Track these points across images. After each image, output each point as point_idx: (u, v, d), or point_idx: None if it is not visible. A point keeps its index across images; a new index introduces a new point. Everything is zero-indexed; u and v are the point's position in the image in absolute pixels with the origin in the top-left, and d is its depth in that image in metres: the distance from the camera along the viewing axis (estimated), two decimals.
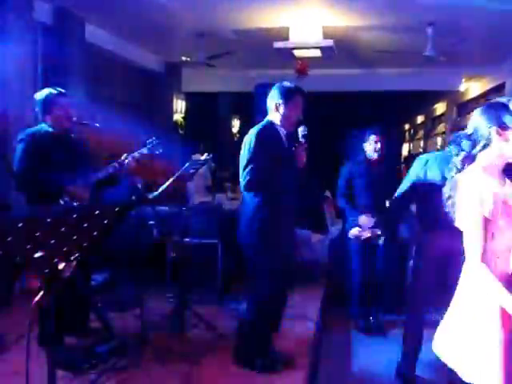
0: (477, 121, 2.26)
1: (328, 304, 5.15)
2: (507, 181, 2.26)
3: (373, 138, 4.59)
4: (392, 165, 3.57)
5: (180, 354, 3.68)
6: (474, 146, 2.25)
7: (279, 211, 3.39)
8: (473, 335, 2.18)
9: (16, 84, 4.99)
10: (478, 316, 2.17)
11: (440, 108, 11.65)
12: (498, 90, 8.47)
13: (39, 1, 5.57)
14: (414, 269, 3.78)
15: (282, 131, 3.45)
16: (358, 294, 4.68)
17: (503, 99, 2.29)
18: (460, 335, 2.24)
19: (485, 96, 9.03)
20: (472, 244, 2.15)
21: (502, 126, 2.18)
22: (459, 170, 2.28)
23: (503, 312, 2.11)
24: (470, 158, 2.26)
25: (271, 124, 3.46)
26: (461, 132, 2.37)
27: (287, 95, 3.43)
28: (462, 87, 9.83)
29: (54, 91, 3.74)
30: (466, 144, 2.28)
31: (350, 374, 4.02)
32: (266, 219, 3.35)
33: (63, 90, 3.83)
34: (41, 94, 3.73)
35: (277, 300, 3.56)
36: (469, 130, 2.28)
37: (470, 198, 2.16)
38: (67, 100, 3.80)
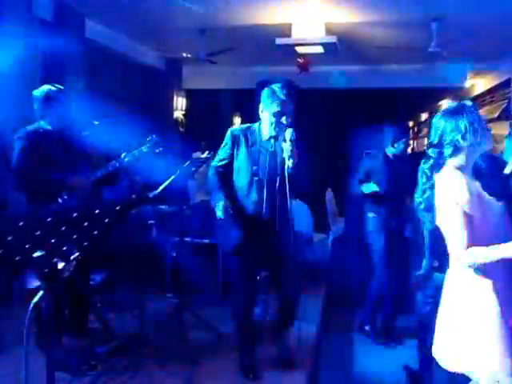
0: (439, 128, 2.28)
1: (329, 305, 5.11)
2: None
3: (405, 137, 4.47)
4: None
5: (179, 355, 3.66)
6: (441, 154, 2.29)
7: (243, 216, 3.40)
8: (470, 332, 2.19)
9: (15, 80, 4.94)
10: (473, 313, 2.19)
11: (445, 105, 11.60)
12: (504, 86, 8.41)
13: None
14: None
15: (263, 134, 3.39)
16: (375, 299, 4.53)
17: (468, 102, 2.33)
18: (456, 336, 2.24)
19: (490, 92, 8.98)
20: (456, 241, 2.17)
21: (464, 132, 2.21)
22: (428, 178, 2.34)
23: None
24: (438, 166, 2.30)
25: (248, 127, 3.51)
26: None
27: (262, 98, 3.39)
28: (468, 84, 9.77)
29: (53, 88, 3.69)
30: (432, 151, 2.32)
31: (350, 375, 4.00)
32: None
33: (62, 87, 3.78)
34: (40, 91, 3.69)
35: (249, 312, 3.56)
36: (433, 139, 2.31)
37: (448, 197, 2.19)
38: (66, 97, 3.75)
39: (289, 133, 3.22)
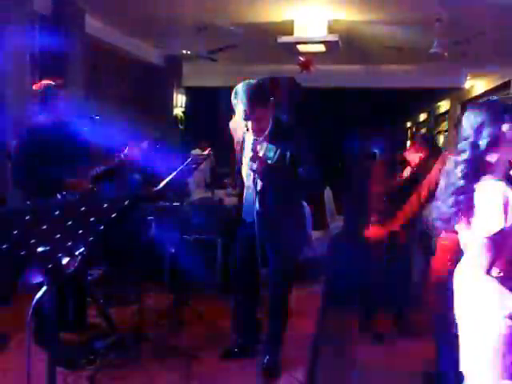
0: (476, 121, 2.09)
1: (328, 302, 5.10)
2: None
3: None
4: None
5: (178, 350, 3.65)
6: (476, 147, 2.08)
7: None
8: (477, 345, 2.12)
9: (14, 75, 4.92)
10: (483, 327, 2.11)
11: (444, 105, 11.61)
12: (504, 87, 8.42)
13: None
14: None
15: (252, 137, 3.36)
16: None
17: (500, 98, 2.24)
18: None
19: (490, 94, 8.98)
20: (483, 255, 2.05)
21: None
22: (464, 176, 2.10)
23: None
24: (473, 161, 2.09)
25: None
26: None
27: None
28: (467, 85, 9.78)
29: (52, 83, 3.68)
30: (464, 144, 2.12)
31: (350, 373, 3.98)
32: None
33: (61, 82, 3.77)
34: (39, 86, 3.68)
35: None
36: (466, 132, 2.12)
37: (489, 206, 2.02)
38: (66, 93, 3.74)
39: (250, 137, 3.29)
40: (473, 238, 2.11)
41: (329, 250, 5.98)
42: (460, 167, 2.11)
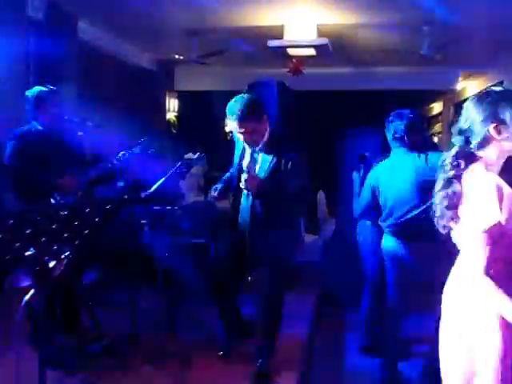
0: (470, 114, 2.01)
1: (321, 305, 5.12)
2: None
3: None
4: None
5: (170, 354, 3.66)
6: (467, 143, 2.02)
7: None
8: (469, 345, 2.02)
9: (6, 80, 4.92)
10: (475, 326, 2.01)
11: (436, 107, 11.64)
12: None
13: None
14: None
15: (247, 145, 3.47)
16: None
17: (498, 88, 2.05)
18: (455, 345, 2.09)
19: None
20: (476, 251, 1.93)
21: (501, 124, 1.95)
22: (453, 167, 2.02)
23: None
24: (463, 154, 2.02)
25: None
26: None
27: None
28: (459, 86, 9.81)
29: (44, 89, 3.70)
30: (457, 139, 2.06)
31: (342, 375, 4.00)
32: None
33: (54, 88, 3.79)
34: (31, 92, 3.69)
35: None
36: (462, 125, 2.04)
37: (482, 198, 1.91)
38: (58, 98, 3.76)
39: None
40: (466, 234, 2.00)
41: (322, 252, 6.00)
42: (449, 159, 2.04)
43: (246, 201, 3.50)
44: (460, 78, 9.47)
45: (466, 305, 2.05)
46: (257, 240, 3.44)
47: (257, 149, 3.44)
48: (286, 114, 5.66)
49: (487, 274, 1.90)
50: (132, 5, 5.92)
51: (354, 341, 4.43)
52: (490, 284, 1.90)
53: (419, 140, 3.57)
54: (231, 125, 3.37)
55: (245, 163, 3.48)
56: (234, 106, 3.31)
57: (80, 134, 3.85)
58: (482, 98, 2.02)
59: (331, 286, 5.30)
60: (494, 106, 1.97)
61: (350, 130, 5.11)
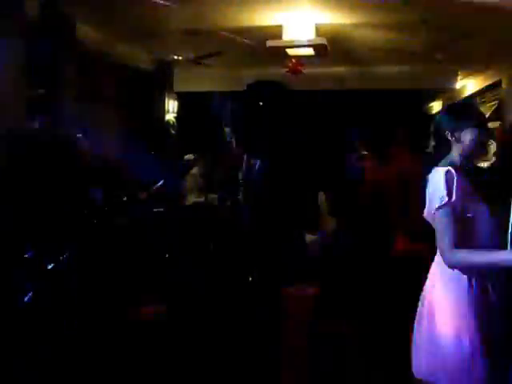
0: (436, 123, 2.42)
1: (322, 305, 5.10)
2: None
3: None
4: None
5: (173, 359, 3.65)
6: (435, 147, 2.42)
7: None
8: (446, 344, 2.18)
9: (2, 82, 4.91)
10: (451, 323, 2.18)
11: (436, 106, 11.64)
12: (494, 87, 8.45)
13: None
14: None
15: None
16: None
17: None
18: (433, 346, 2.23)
19: (481, 94, 9.01)
20: (443, 240, 2.19)
21: (456, 130, 2.31)
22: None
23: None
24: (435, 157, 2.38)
25: None
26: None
27: None
28: (458, 85, 9.81)
29: (43, 93, 3.69)
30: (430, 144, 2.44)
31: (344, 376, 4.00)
32: None
33: (52, 92, 3.78)
34: (32, 95, 3.69)
35: None
36: (432, 132, 2.45)
37: (439, 191, 2.20)
38: (56, 101, 3.76)
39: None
40: (431, 222, 2.27)
41: (322, 251, 5.98)
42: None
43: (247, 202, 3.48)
44: (459, 77, 9.47)
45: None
46: (258, 240, 3.43)
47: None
48: (285, 115, 5.66)
49: (454, 247, 2.16)
50: (129, 5, 5.91)
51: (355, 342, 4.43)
52: (460, 251, 2.15)
53: None
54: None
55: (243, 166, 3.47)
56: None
57: (79, 136, 3.84)
58: (447, 108, 2.55)
59: (332, 285, 5.28)
60: (453, 115, 2.40)
61: (349, 129, 5.10)
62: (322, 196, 6.70)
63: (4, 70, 4.87)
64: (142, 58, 8.59)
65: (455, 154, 2.35)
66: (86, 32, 6.64)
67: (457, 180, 2.20)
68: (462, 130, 2.31)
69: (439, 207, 2.19)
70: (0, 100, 4.80)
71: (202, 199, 6.30)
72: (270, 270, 3.49)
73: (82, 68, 6.46)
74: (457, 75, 9.35)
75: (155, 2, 5.62)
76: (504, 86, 8.09)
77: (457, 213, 2.19)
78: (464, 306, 2.17)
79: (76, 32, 6.20)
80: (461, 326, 2.15)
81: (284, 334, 3.61)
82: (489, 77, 8.73)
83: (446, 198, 2.18)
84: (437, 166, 2.33)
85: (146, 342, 3.71)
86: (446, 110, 2.55)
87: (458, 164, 2.32)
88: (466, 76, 9.44)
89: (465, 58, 8.05)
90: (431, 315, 2.26)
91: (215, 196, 6.74)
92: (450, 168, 2.24)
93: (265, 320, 3.52)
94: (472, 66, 8.73)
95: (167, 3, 5.25)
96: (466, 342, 2.14)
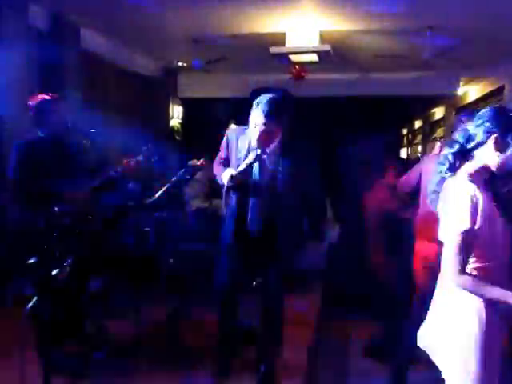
0: (482, 120, 2.10)
1: (326, 309, 5.12)
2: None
3: None
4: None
5: (176, 362, 3.67)
6: (468, 141, 2.12)
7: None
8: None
9: (12, 91, 4.96)
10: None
11: (439, 112, 11.65)
12: (497, 93, 8.46)
13: (34, 6, 5.55)
14: None
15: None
16: None
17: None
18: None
19: (483, 99, 9.02)
20: (453, 261, 2.07)
21: (504, 139, 2.04)
22: (450, 165, 2.15)
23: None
24: (461, 154, 2.13)
25: (242, 130, 3.60)
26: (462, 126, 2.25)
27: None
28: (460, 91, 9.83)
29: (48, 97, 3.72)
30: (460, 136, 2.16)
31: (348, 379, 4.00)
32: None
33: (57, 96, 3.81)
34: (35, 100, 3.71)
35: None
36: (470, 125, 2.14)
37: (461, 212, 2.03)
38: (62, 106, 3.78)
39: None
40: (445, 237, 2.14)
41: (326, 258, 6.01)
42: (448, 157, 2.16)
43: (244, 199, 3.51)
44: (461, 83, 9.49)
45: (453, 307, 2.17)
46: (261, 244, 3.44)
47: (267, 150, 3.39)
48: (291, 121, 5.67)
49: (464, 272, 2.05)
50: (134, 13, 5.96)
51: (360, 345, 4.44)
52: (468, 279, 2.06)
53: None
54: (255, 119, 3.30)
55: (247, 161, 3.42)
56: (266, 102, 3.26)
57: (85, 142, 3.86)
58: (500, 111, 2.12)
59: (336, 290, 5.29)
60: (507, 124, 2.08)
61: (353, 135, 5.12)
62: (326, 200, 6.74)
63: (12, 76, 4.91)
64: (147, 64, 8.64)
65: (484, 163, 2.10)
66: (91, 39, 6.69)
67: (483, 201, 2.04)
68: None
69: (459, 230, 2.03)
70: (8, 106, 4.88)
71: (206, 204, 6.33)
72: (276, 276, 3.48)
73: (87, 75, 6.50)
74: (459, 81, 9.37)
75: (160, 10, 5.68)
76: (507, 91, 8.10)
77: (476, 236, 2.04)
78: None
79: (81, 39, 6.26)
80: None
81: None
82: (491, 83, 8.75)
83: (469, 225, 2.02)
84: (453, 171, 2.15)
85: None
86: (499, 109, 2.14)
87: (487, 177, 2.12)
88: (468, 82, 9.46)
89: (467, 64, 8.08)
90: None
91: (219, 201, 6.77)
92: (476, 189, 2.05)
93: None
94: (474, 72, 8.75)
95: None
96: None
